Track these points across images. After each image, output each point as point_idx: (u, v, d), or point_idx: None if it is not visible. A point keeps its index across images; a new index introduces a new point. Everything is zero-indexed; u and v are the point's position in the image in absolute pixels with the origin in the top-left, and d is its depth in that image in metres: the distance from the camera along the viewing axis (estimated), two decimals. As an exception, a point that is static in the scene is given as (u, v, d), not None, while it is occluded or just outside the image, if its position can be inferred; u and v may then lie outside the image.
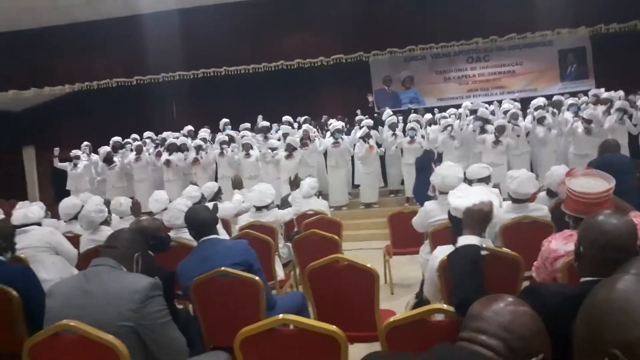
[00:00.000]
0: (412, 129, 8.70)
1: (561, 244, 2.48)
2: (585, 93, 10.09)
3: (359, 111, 10.63)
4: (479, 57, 12.70)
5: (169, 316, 2.13)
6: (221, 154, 9.12)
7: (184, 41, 10.86)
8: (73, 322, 1.95)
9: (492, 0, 10.24)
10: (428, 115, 9.84)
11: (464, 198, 2.36)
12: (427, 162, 7.29)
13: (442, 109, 10.60)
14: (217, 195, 5.49)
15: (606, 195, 2.51)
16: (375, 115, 10.70)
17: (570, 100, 9.05)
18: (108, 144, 10.03)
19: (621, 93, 9.35)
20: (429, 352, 1.21)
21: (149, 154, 9.63)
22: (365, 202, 8.99)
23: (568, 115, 8.63)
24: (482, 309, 1.24)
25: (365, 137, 8.70)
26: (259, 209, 4.89)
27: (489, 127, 8.38)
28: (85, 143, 10.47)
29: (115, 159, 9.58)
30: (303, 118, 10.33)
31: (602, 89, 9.60)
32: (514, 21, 10.41)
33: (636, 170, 3.48)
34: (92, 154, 10.14)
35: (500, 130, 8.15)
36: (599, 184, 2.54)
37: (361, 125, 9.09)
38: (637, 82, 10.45)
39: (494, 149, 8.07)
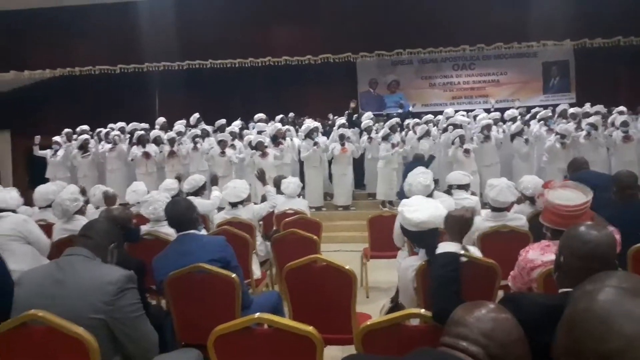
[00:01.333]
0: (389, 134, 8.55)
1: (538, 254, 2.49)
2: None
3: (330, 115, 10.54)
4: (464, 65, 12.78)
5: (142, 310, 2.09)
6: (194, 148, 8.93)
7: (171, 32, 10.72)
8: (42, 313, 1.90)
9: (480, 8, 10.34)
10: (407, 120, 9.80)
11: (417, 212, 2.36)
12: (416, 166, 7.26)
13: (427, 114, 10.62)
14: (200, 190, 5.38)
15: (584, 207, 2.53)
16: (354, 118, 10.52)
17: (549, 113, 9.16)
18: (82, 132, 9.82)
19: (599, 108, 9.50)
20: (410, 355, 1.20)
21: (128, 145, 9.44)
22: (337, 204, 8.89)
23: (541, 127, 8.78)
24: (465, 314, 1.24)
25: (341, 138, 8.57)
26: (234, 205, 4.82)
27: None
28: (66, 130, 10.21)
29: (89, 147, 9.39)
30: (279, 117, 9.92)
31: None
32: (501, 30, 10.54)
33: (612, 186, 3.51)
34: (73, 141, 9.89)
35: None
36: (576, 196, 2.56)
37: (337, 125, 8.98)
38: (617, 98, 10.66)
39: (468, 159, 8.08)
